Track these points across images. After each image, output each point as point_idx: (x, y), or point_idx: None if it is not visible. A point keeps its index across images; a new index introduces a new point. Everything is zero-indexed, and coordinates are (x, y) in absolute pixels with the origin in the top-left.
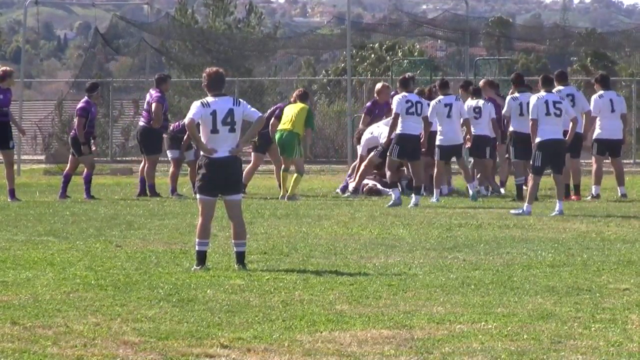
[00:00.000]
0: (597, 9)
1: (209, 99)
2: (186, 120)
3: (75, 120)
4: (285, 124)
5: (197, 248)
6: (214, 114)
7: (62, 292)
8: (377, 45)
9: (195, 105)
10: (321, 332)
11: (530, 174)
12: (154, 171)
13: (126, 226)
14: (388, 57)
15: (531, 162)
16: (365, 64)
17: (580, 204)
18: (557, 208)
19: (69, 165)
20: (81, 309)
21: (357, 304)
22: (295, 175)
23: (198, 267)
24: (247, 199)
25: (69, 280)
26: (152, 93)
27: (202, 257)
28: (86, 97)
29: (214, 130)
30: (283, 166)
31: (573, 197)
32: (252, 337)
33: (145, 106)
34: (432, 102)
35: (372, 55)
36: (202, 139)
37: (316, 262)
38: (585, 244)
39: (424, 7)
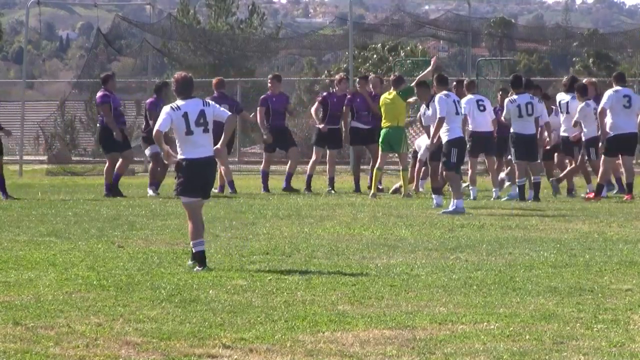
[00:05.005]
0: (600, 9)
1: (179, 102)
2: (154, 131)
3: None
4: (390, 120)
5: (194, 250)
6: (185, 116)
7: (64, 292)
8: (379, 45)
9: (165, 110)
10: (323, 333)
11: (446, 172)
12: (113, 170)
13: (128, 226)
14: (390, 58)
15: (445, 159)
16: (368, 64)
17: (582, 205)
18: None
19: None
20: (83, 310)
21: (359, 304)
22: (402, 171)
23: (200, 268)
24: (249, 198)
25: (71, 280)
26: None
27: (202, 258)
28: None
29: (189, 132)
30: (378, 164)
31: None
32: (255, 338)
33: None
34: (580, 105)
35: (375, 56)
36: (177, 142)
37: (318, 263)
38: (588, 245)
39: (426, 7)
